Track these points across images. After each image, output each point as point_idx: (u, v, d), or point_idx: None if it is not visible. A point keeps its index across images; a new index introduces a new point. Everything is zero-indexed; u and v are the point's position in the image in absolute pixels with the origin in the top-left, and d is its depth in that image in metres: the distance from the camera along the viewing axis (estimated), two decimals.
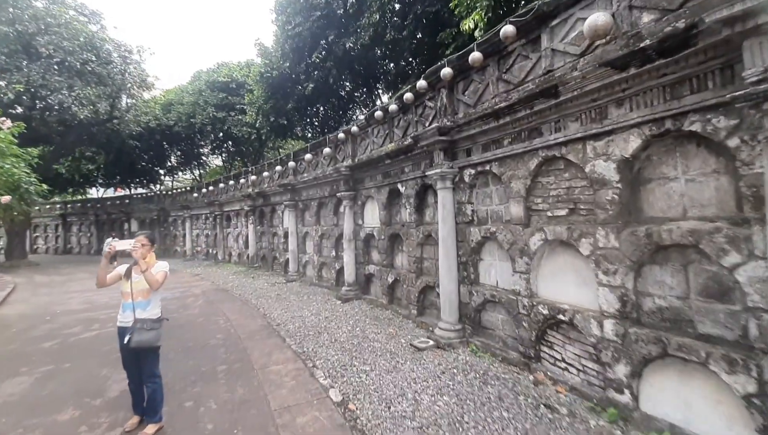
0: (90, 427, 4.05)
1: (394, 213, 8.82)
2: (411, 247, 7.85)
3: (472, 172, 6.09)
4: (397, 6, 13.96)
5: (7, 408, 4.54)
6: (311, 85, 17.05)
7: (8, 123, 9.06)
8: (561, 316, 4.53)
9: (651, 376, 3.68)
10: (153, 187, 35.49)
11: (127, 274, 3.93)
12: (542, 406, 4.14)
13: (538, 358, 4.94)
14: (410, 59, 17.26)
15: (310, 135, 24.52)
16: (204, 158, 37.72)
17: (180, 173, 42.42)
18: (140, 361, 3.87)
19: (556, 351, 4.73)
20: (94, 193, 41.51)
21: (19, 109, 19.65)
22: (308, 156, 12.14)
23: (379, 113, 8.44)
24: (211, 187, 21.36)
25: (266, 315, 8.56)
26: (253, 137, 23.53)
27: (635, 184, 3.89)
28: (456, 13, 9.20)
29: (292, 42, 16.61)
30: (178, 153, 35.64)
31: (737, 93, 2.86)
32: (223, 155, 35.76)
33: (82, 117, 17.15)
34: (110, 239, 3.82)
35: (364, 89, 22.86)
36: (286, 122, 20.42)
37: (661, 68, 3.40)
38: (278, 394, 4.61)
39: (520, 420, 3.90)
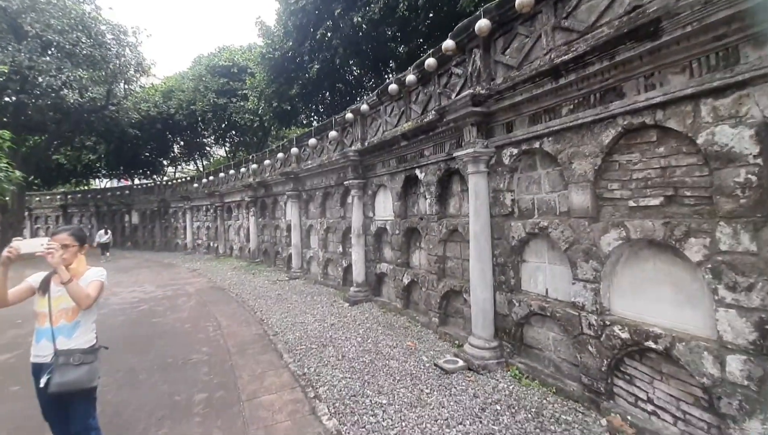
0: None
1: (411, 204, 7.62)
2: (431, 244, 6.65)
3: (514, 151, 4.85)
4: None
5: None
6: (316, 66, 15.78)
7: None
8: (650, 343, 3.31)
9: None
10: (155, 178, 34.60)
11: (43, 288, 2.80)
12: None
13: (610, 395, 3.74)
14: (422, 41, 15.89)
15: (315, 123, 23.30)
16: (208, 148, 36.76)
17: (183, 164, 41.59)
18: (68, 411, 2.73)
19: (638, 388, 3.52)
20: (98, 184, 40.94)
21: (13, 97, 18.76)
22: (312, 141, 10.94)
23: (393, 87, 7.20)
24: (211, 177, 20.29)
25: (263, 320, 7.45)
26: (255, 125, 22.34)
27: None
28: None
29: (296, 18, 15.33)
30: (182, 143, 34.73)
31: None
32: (227, 145, 34.74)
33: (72, 101, 16.10)
34: (17, 240, 2.69)
35: (373, 74, 21.53)
36: (290, 108, 19.18)
37: None
38: None
39: None
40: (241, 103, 22.40)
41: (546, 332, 4.59)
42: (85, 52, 16.39)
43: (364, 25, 15.10)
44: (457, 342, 5.79)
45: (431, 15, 13.41)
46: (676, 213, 3.22)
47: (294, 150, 12.17)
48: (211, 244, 20.47)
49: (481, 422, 3.69)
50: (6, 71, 13.73)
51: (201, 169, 36.07)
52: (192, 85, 23.55)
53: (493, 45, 5.14)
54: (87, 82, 16.59)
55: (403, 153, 7.37)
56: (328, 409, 3.98)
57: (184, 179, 24.57)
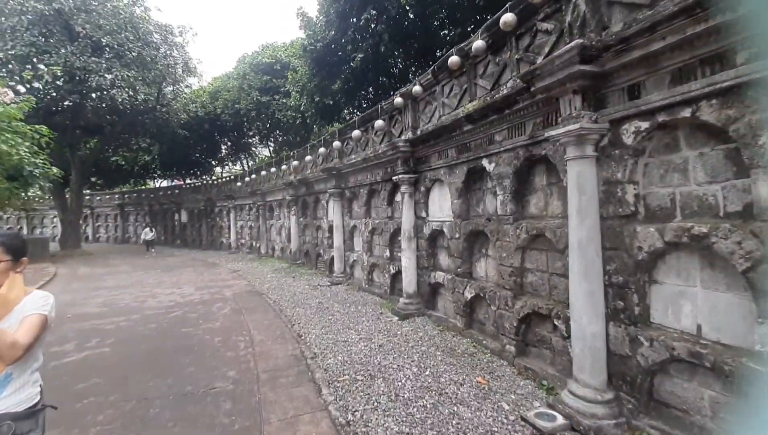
0: None
1: (475, 202, 6.30)
2: (504, 252, 5.31)
3: (642, 126, 3.42)
4: None
5: None
6: (359, 56, 14.78)
7: (10, 95, 7.69)
8: None
9: None
10: (204, 178, 35.56)
11: None
12: None
13: None
14: (474, 27, 14.36)
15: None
16: (253, 148, 37.30)
17: (231, 164, 42.66)
18: None
19: None
20: (154, 185, 43.00)
21: (69, 102, 19.50)
22: (356, 133, 9.89)
23: (454, 59, 5.90)
24: (253, 176, 19.99)
25: (301, 336, 6.46)
26: (298, 122, 21.85)
27: None
28: None
29: (338, 5, 14.43)
30: (228, 143, 35.42)
31: None
32: (271, 145, 34.98)
33: (120, 100, 16.31)
34: None
35: (418, 65, 20.26)
36: (332, 103, 18.38)
37: None
38: None
39: None
40: (284, 101, 21.99)
41: (697, 389, 3.12)
42: (134, 52, 16.52)
43: (410, 8, 13.90)
44: (545, 383, 4.41)
45: None
46: None
47: (336, 144, 11.20)
48: (254, 244, 20.18)
49: None
50: (59, 72, 14.01)
51: (246, 169, 36.62)
52: (236, 84, 23.54)
53: None
54: (136, 82, 16.76)
55: (466, 140, 6.06)
56: None
57: (228, 178, 24.65)
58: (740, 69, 2.68)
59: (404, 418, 3.82)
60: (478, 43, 5.34)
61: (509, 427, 3.64)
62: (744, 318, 2.80)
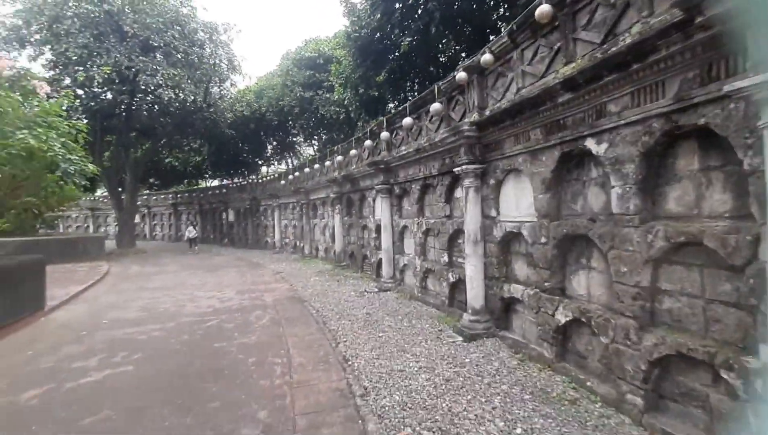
0: None
1: (570, 196, 4.86)
2: (625, 265, 3.85)
3: None
4: None
5: None
6: (407, 39, 13.55)
7: (46, 88, 7.29)
8: None
9: None
10: (250, 177, 36.10)
11: None
12: None
13: None
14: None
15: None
16: (297, 147, 37.37)
17: (276, 164, 43.22)
18: None
19: None
20: (205, 185, 44.55)
21: (123, 106, 20.00)
22: (407, 120, 8.67)
23: (545, 8, 4.49)
24: (297, 174, 19.41)
25: (348, 360, 5.36)
26: (341, 117, 21.04)
27: None
28: None
29: None
30: (274, 143, 35.68)
31: None
32: (315, 144, 34.75)
33: (167, 99, 16.31)
34: None
35: (469, 52, 18.71)
36: (377, 94, 17.31)
37: None
38: None
39: None
40: (327, 95, 21.29)
41: None
42: (180, 51, 16.42)
43: None
44: None
45: None
46: None
47: (384, 135, 10.05)
48: (298, 244, 19.63)
49: None
50: (108, 72, 14.09)
51: (290, 167, 36.70)
52: (280, 81, 23.22)
53: None
54: (182, 81, 16.71)
55: (559, 115, 4.64)
56: None
57: (273, 176, 24.43)
58: None
59: None
60: None
61: None
62: None
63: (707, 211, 3.24)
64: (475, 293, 6.40)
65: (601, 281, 4.33)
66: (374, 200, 11.74)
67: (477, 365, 5.08)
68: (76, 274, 14.39)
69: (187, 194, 33.63)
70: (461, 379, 4.68)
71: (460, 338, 6.15)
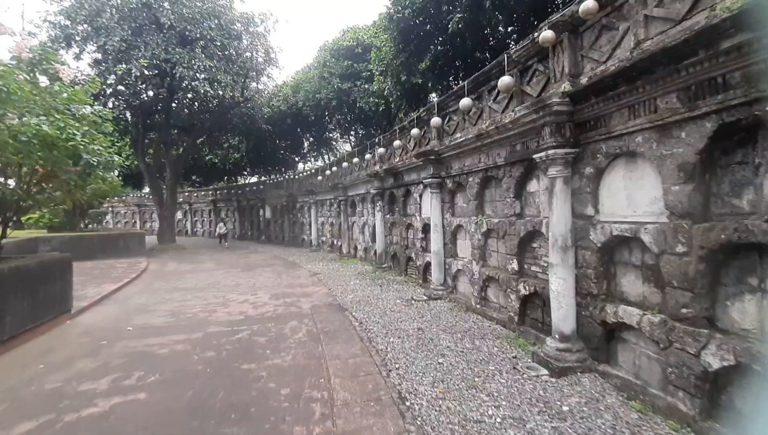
0: None
1: (729, 188, 3.41)
2: None
3: None
4: None
5: None
6: (458, 16, 12.13)
7: (67, 72, 6.61)
8: None
9: None
10: (287, 173, 35.95)
11: None
12: None
13: None
14: None
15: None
16: (333, 143, 36.82)
17: (312, 160, 42.98)
18: None
19: None
20: (244, 182, 45.13)
21: (161, 105, 19.89)
22: (465, 101, 7.33)
23: None
24: (334, 168, 18.49)
25: (405, 400, 4.18)
26: (381, 108, 19.89)
27: None
28: None
29: None
30: (311, 139, 35.29)
31: None
32: (352, 139, 33.98)
33: (203, 92, 15.87)
34: None
35: (520, 33, 17.00)
36: (420, 81, 15.99)
37: None
38: None
39: None
40: (366, 86, 20.21)
41: None
42: (217, 42, 15.90)
43: None
44: None
45: None
46: None
47: (434, 121, 8.75)
48: (335, 242, 18.74)
49: None
50: (146, 64, 13.74)
51: (327, 163, 36.17)
52: (317, 73, 22.40)
53: None
54: (218, 73, 16.22)
55: (719, 70, 3.19)
56: None
57: (309, 172, 23.74)
58: None
59: None
60: None
61: None
62: None
63: None
64: (563, 314, 5.01)
65: None
66: (421, 196, 10.50)
67: (582, 418, 3.73)
68: (114, 270, 14.23)
69: (225, 191, 33.90)
70: None
71: (545, 371, 4.79)
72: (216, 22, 15.86)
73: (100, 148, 6.95)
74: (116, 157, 7.33)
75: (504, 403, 4.06)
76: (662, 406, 3.80)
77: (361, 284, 10.75)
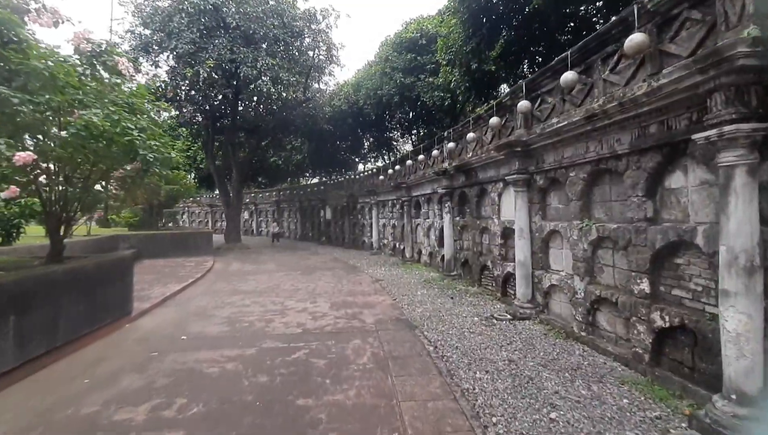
0: None
1: None
2: None
3: None
4: None
5: None
6: None
7: (126, 65, 6.25)
8: None
9: None
10: (348, 174, 35.85)
11: None
12: None
13: None
14: None
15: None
16: (394, 143, 36.05)
17: (372, 160, 42.64)
18: None
19: None
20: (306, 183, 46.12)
21: (228, 107, 20.25)
22: (568, 76, 5.84)
23: None
24: (397, 167, 17.49)
25: None
26: (446, 103, 18.54)
27: None
28: None
29: None
30: (371, 139, 34.87)
31: None
32: (413, 138, 32.94)
33: (265, 90, 15.71)
34: None
35: (608, 7, 14.71)
36: (493, 68, 14.42)
37: None
38: None
39: None
40: (430, 79, 18.96)
41: None
42: (280, 40, 15.68)
43: None
44: None
45: None
46: None
47: (522, 105, 7.30)
48: (397, 246, 17.73)
49: None
50: (212, 66, 13.82)
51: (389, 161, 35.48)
52: (378, 69, 21.58)
53: None
54: (281, 72, 16.01)
55: None
56: None
57: (370, 171, 23.03)
58: None
59: None
60: None
61: None
62: None
63: None
64: (746, 365, 3.41)
65: None
66: (500, 196, 9.06)
67: None
68: (183, 269, 14.49)
69: (288, 192, 34.55)
70: None
71: None
72: (279, 20, 15.66)
73: (157, 144, 6.50)
74: (173, 153, 6.89)
75: None
76: None
77: (430, 295, 9.55)
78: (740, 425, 3.32)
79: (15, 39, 4.68)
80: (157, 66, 19.22)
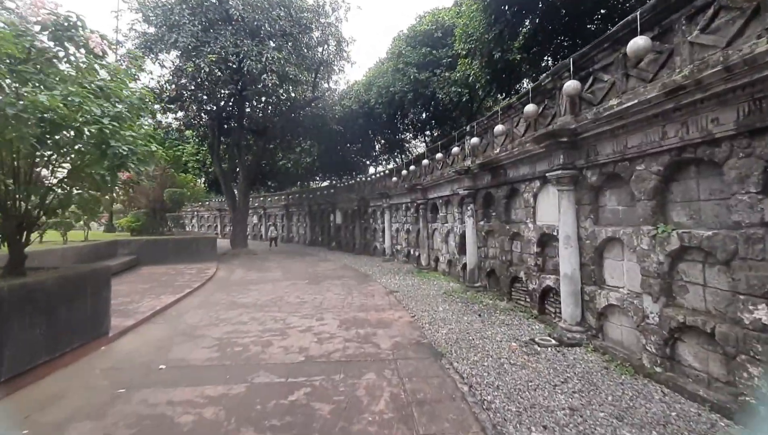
0: None
1: None
2: None
3: None
4: None
5: None
6: None
7: (97, 42, 5.22)
8: None
9: None
10: (359, 176, 34.86)
11: None
12: None
13: None
14: None
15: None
16: (406, 144, 34.94)
17: (384, 163, 41.59)
18: None
19: None
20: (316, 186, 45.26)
21: (232, 104, 19.38)
22: (637, 43, 4.61)
23: None
24: (412, 168, 16.30)
25: None
26: (463, 99, 17.33)
27: None
28: None
29: None
30: (382, 141, 33.86)
31: None
32: (426, 139, 31.77)
33: (270, 84, 14.72)
34: None
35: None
36: (518, 58, 13.19)
37: None
38: None
39: None
40: (446, 74, 17.77)
41: None
42: (287, 33, 14.70)
43: None
44: None
45: None
46: None
47: (569, 86, 6.04)
48: (412, 252, 16.49)
49: None
50: (214, 59, 12.89)
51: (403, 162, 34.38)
52: (390, 66, 20.47)
53: None
54: (287, 66, 15.02)
55: None
56: None
57: (382, 173, 21.88)
58: None
59: None
60: None
61: None
62: None
63: None
64: None
65: None
66: (536, 196, 7.80)
67: None
68: (182, 277, 13.50)
69: (297, 195, 33.64)
70: None
71: None
72: (285, 11, 14.72)
73: (131, 134, 5.43)
74: (153, 147, 5.81)
75: None
76: None
77: (453, 311, 8.30)
78: None
79: None
80: (162, 66, 18.48)
